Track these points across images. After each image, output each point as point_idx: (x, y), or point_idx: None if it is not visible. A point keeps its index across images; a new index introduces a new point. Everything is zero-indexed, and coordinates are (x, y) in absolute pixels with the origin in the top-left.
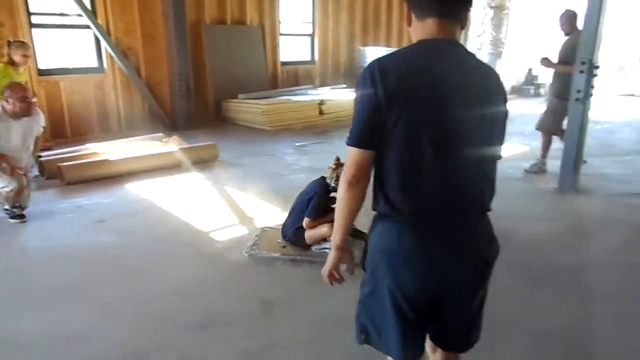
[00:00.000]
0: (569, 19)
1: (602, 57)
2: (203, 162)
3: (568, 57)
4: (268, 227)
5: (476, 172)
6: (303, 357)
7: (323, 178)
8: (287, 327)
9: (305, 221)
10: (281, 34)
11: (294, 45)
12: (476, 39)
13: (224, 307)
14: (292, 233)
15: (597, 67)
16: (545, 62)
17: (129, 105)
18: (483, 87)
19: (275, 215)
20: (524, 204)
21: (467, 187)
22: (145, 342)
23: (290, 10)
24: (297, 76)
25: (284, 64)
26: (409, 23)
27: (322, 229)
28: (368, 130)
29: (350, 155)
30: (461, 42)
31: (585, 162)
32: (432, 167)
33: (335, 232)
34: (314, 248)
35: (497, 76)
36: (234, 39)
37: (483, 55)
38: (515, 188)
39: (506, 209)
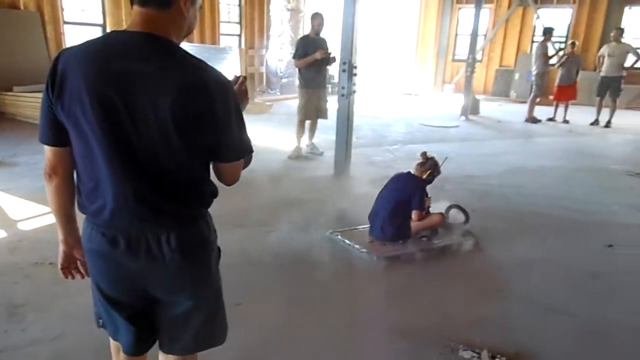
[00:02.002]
0: (323, 20)
1: (383, 59)
2: None
3: (299, 53)
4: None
5: (160, 176)
6: None
7: (409, 173)
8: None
9: (417, 214)
10: (66, 22)
11: (87, 35)
12: (277, 39)
13: None
14: (395, 229)
15: (355, 67)
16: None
17: None
18: (168, 91)
19: (43, 217)
20: (304, 187)
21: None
22: None
23: None
24: None
25: None
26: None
27: (435, 218)
28: (45, 125)
29: (45, 149)
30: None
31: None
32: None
33: (58, 227)
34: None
35: (202, 80)
36: (4, 26)
37: (284, 55)
38: (296, 175)
39: (288, 193)
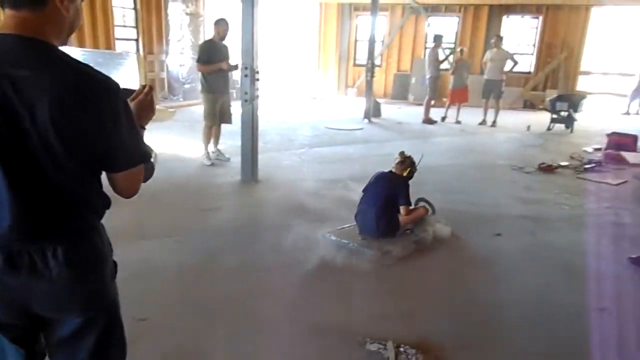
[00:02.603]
0: (228, 26)
1: (287, 65)
2: None
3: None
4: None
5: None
6: None
7: (391, 172)
8: None
9: (405, 209)
10: None
11: None
12: (177, 43)
13: None
14: (386, 224)
15: (257, 72)
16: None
17: None
18: (45, 95)
19: None
20: (211, 194)
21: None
22: None
23: None
24: None
25: None
26: None
27: (420, 211)
28: None
29: None
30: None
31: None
32: None
33: None
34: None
35: (82, 83)
36: None
37: (186, 60)
38: (204, 182)
39: (194, 201)
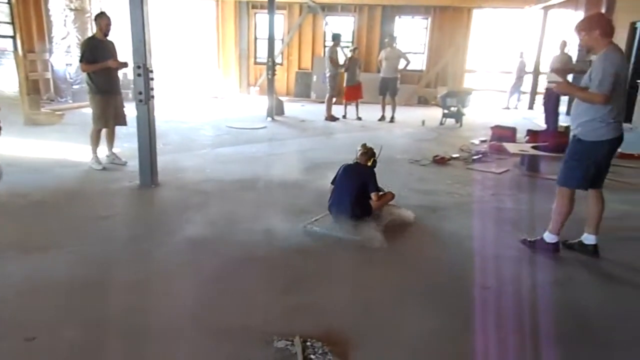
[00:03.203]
0: (110, 20)
1: (186, 64)
2: None
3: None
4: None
5: None
6: None
7: (358, 163)
8: None
9: (376, 195)
10: None
11: None
12: (62, 41)
13: None
14: (361, 211)
15: (151, 71)
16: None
17: None
18: None
19: None
20: (106, 201)
21: None
22: None
23: None
24: None
25: None
26: None
27: (389, 196)
28: None
29: None
30: None
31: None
32: None
33: None
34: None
35: None
36: None
37: (73, 59)
38: (98, 188)
39: (87, 209)
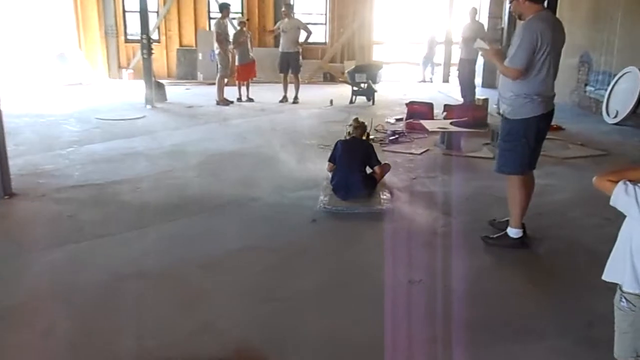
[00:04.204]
0: None
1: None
2: None
3: None
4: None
5: None
6: None
7: (355, 138)
8: None
9: (380, 168)
10: None
11: None
12: None
13: None
14: (372, 184)
15: None
16: None
17: None
18: None
19: None
20: None
21: None
22: None
23: None
24: None
25: None
26: None
27: (387, 167)
28: None
29: None
30: None
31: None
32: None
33: None
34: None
35: None
36: None
37: None
38: None
39: None
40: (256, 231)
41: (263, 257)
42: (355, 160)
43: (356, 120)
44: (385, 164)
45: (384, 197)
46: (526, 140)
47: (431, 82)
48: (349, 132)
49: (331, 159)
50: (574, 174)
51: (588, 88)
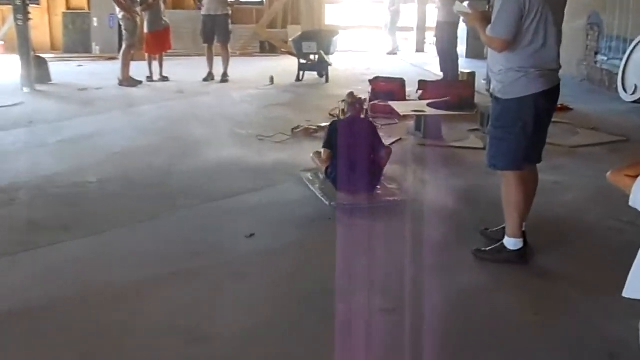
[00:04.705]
0: None
1: None
2: None
3: None
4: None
5: None
6: None
7: (354, 117)
8: None
9: (386, 152)
10: None
11: None
12: None
13: None
14: (381, 174)
15: None
16: None
17: None
18: None
19: None
20: None
21: None
22: None
23: None
24: None
25: None
26: None
27: (389, 150)
28: None
29: None
30: None
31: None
32: None
33: None
34: None
35: None
36: None
37: None
38: None
39: None
40: (178, 251)
41: (189, 284)
42: (360, 145)
43: (351, 95)
44: (389, 146)
45: (392, 186)
46: (522, 126)
47: (399, 51)
48: (343, 110)
49: (326, 145)
50: (585, 166)
51: (599, 57)
